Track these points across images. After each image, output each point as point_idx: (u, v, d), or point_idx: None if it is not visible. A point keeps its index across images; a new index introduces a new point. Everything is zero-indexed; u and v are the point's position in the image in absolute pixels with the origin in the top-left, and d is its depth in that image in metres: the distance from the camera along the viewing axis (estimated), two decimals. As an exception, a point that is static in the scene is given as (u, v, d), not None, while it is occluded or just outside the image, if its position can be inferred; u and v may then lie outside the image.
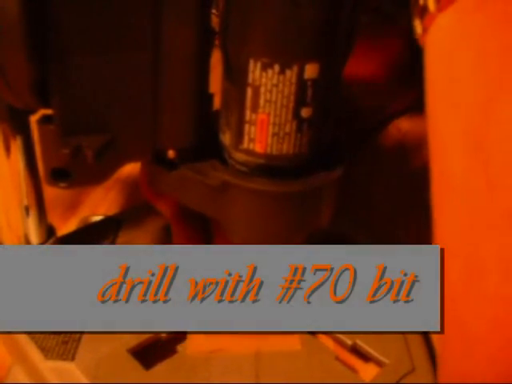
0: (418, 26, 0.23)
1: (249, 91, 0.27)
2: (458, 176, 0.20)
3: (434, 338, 0.33)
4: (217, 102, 0.30)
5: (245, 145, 0.29)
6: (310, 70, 0.26)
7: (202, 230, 0.37)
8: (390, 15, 0.50)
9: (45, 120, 0.27)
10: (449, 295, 0.20)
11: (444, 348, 0.21)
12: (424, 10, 0.22)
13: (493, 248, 0.18)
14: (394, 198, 0.48)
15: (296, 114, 0.27)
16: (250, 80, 0.27)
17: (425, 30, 0.23)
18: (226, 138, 0.30)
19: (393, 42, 0.52)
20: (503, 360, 0.18)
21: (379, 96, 0.53)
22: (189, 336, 0.34)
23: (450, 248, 0.21)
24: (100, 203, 0.48)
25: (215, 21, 0.27)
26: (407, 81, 0.49)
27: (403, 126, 0.56)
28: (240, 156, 0.29)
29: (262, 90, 0.26)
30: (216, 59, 0.28)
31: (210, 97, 0.30)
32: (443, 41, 0.22)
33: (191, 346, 0.33)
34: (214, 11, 0.27)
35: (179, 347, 0.33)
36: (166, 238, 0.40)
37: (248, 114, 0.28)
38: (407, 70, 0.49)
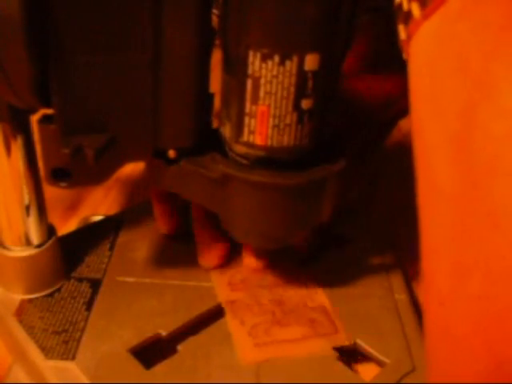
0: (401, 31, 0.23)
1: (249, 83, 0.27)
2: (443, 181, 0.20)
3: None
4: (217, 102, 0.30)
5: (245, 137, 0.28)
6: (311, 61, 0.26)
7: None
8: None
9: (45, 120, 0.27)
10: (436, 298, 0.21)
11: (431, 348, 0.21)
12: (408, 16, 0.22)
13: (477, 250, 0.19)
14: (394, 197, 0.48)
15: (296, 106, 0.27)
16: (249, 71, 0.26)
17: (409, 36, 0.22)
18: (226, 131, 0.29)
19: (364, 32, 0.51)
20: (486, 360, 0.18)
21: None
22: (237, 344, 0.33)
23: (437, 252, 0.21)
24: (100, 203, 0.48)
25: (215, 21, 0.27)
26: (384, 68, 0.49)
27: (403, 125, 0.56)
28: (240, 148, 0.29)
29: (262, 81, 0.26)
30: (216, 59, 0.28)
31: (210, 97, 0.30)
32: (427, 48, 0.22)
33: (241, 355, 0.33)
34: (214, 11, 0.27)
35: (179, 347, 0.33)
36: (165, 237, 0.40)
37: (248, 106, 0.27)
38: (382, 58, 0.48)
